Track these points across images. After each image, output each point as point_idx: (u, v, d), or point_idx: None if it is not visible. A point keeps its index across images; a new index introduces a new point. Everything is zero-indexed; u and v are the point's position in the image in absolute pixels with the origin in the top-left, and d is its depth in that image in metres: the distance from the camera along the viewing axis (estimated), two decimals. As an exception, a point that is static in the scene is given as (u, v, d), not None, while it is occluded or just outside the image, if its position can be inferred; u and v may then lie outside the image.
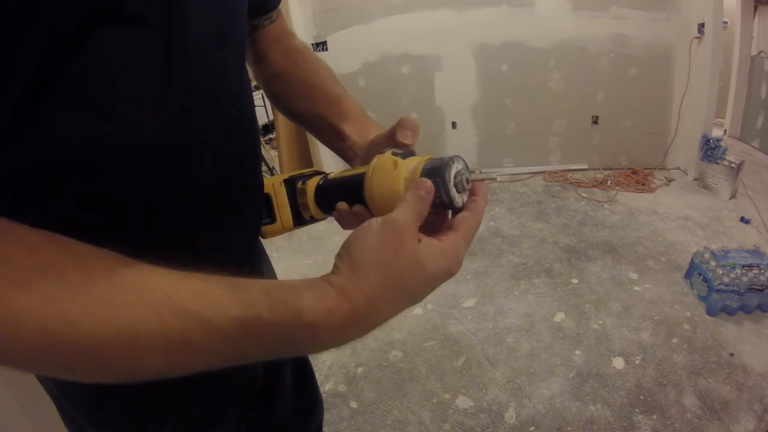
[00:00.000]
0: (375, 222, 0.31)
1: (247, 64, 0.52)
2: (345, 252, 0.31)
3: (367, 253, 0.30)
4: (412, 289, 0.31)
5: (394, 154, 0.38)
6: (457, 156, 0.36)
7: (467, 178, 0.36)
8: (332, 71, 0.62)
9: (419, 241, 0.31)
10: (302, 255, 2.56)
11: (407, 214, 0.32)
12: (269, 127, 5.51)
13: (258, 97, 5.43)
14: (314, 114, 0.56)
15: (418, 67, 3.28)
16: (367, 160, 0.43)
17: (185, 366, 0.28)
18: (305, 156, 3.55)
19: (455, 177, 0.35)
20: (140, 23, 0.31)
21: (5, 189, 0.30)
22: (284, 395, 0.70)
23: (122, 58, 0.31)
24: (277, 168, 3.38)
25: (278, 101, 0.62)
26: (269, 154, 3.65)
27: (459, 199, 0.35)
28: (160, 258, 0.30)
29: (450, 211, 0.37)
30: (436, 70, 3.28)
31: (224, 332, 0.27)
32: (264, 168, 3.74)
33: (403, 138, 0.41)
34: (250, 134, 0.49)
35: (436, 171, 0.34)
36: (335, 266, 0.31)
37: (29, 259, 0.25)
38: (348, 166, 0.50)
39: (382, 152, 0.39)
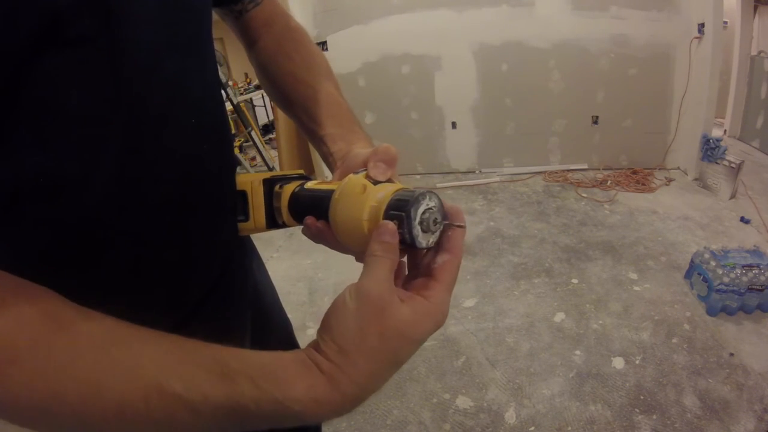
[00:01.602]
0: (350, 299, 0.30)
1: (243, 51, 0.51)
2: (327, 334, 0.30)
3: (351, 338, 0.29)
4: (402, 359, 0.30)
5: (368, 177, 0.36)
6: (431, 192, 0.33)
7: (436, 219, 0.32)
8: (326, 63, 0.58)
9: (402, 300, 0.30)
10: (302, 255, 2.56)
11: (379, 278, 0.29)
12: (269, 127, 5.51)
13: (258, 97, 5.43)
14: (301, 112, 0.54)
15: (418, 67, 3.28)
16: (345, 172, 0.42)
17: None
18: (305, 156, 3.55)
19: (422, 214, 0.32)
20: (84, 44, 0.30)
21: None
22: None
23: (69, 82, 0.30)
24: (277, 168, 3.38)
25: (269, 92, 0.60)
26: (269, 154, 3.65)
27: (424, 239, 0.32)
28: (126, 273, 0.30)
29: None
30: (436, 70, 3.28)
31: (210, 417, 0.27)
32: (264, 168, 3.73)
33: (375, 172, 0.37)
34: (216, 139, 0.46)
35: (402, 205, 0.32)
36: (320, 348, 0.29)
37: (19, 333, 0.26)
38: (330, 174, 0.49)
39: (356, 173, 0.38)
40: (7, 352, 0.25)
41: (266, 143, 4.56)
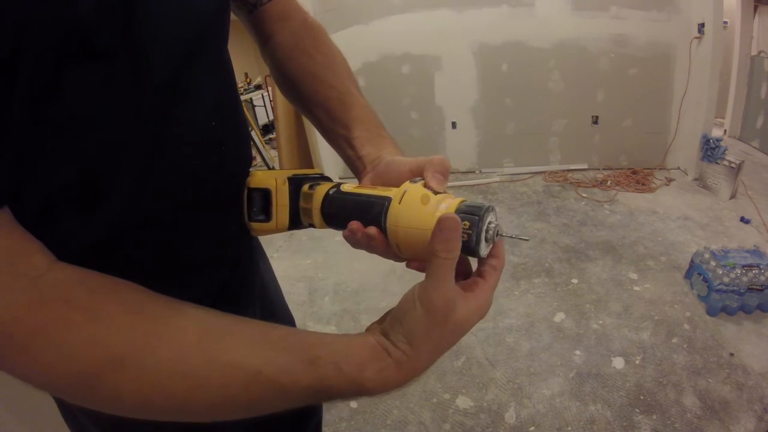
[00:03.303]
0: (419, 305, 0.33)
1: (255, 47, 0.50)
2: (398, 327, 0.33)
3: (419, 335, 0.33)
4: (453, 344, 0.35)
5: (427, 187, 0.37)
6: (493, 206, 0.35)
7: (498, 231, 0.35)
8: (346, 62, 0.56)
9: (460, 299, 0.33)
10: (302, 255, 2.56)
11: (444, 284, 0.32)
12: (269, 127, 5.51)
13: (258, 97, 5.44)
14: (321, 112, 0.53)
15: (418, 67, 3.28)
16: (381, 179, 0.42)
17: (254, 414, 0.33)
18: (305, 156, 3.55)
19: (489, 224, 0.34)
20: (108, 55, 0.31)
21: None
22: None
23: (93, 92, 0.31)
24: (277, 168, 3.38)
25: (284, 91, 0.58)
26: (269, 154, 3.65)
27: (485, 249, 0.35)
28: (145, 273, 0.32)
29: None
30: (436, 70, 3.28)
31: (296, 396, 0.32)
32: (264, 169, 3.74)
33: (434, 183, 0.38)
34: (235, 138, 0.47)
35: (474, 211, 0.34)
36: (389, 337, 0.33)
37: (119, 338, 0.29)
38: (353, 176, 0.48)
39: (413, 181, 0.38)
40: (112, 362, 0.28)
41: (266, 143, 4.56)
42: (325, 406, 1.00)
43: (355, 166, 0.49)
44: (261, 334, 0.33)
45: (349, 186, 0.43)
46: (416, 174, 0.40)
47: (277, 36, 0.56)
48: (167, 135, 0.37)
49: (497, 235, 0.35)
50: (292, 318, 0.74)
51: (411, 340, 0.32)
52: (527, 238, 0.41)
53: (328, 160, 3.52)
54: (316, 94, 0.53)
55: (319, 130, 0.55)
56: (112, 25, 0.31)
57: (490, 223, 0.34)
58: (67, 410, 0.49)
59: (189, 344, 0.30)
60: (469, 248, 0.34)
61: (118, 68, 0.32)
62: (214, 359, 0.30)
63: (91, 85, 0.31)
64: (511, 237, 0.37)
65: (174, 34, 0.36)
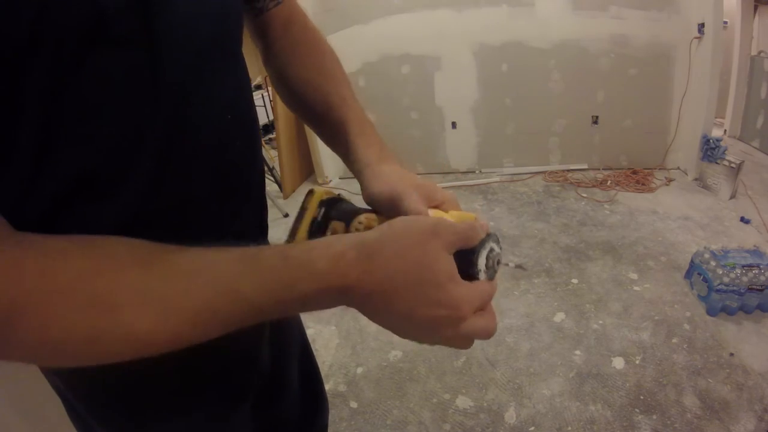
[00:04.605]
0: (412, 224, 0.35)
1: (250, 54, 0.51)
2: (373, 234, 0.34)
3: (389, 241, 0.33)
4: (411, 291, 0.33)
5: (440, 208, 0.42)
6: (497, 236, 0.38)
7: (499, 260, 0.37)
8: (341, 67, 0.56)
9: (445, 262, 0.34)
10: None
11: (448, 224, 0.35)
12: (269, 127, 5.51)
13: (258, 96, 5.43)
14: (320, 122, 0.53)
15: (418, 67, 3.27)
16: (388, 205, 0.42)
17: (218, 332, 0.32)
18: (305, 156, 3.55)
19: (490, 251, 0.37)
20: (126, 46, 0.32)
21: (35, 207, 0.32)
22: (291, 391, 0.70)
23: (111, 81, 0.32)
24: (277, 168, 3.37)
25: (283, 99, 0.58)
26: (269, 154, 3.65)
27: (484, 274, 0.36)
28: None
29: None
30: (436, 70, 3.28)
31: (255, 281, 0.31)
32: (263, 167, 3.73)
33: (448, 206, 0.44)
34: (248, 136, 0.48)
35: (488, 238, 0.37)
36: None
37: (118, 281, 0.29)
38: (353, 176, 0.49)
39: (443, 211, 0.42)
40: (105, 303, 0.28)
41: (266, 143, 4.56)
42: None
43: (356, 176, 0.50)
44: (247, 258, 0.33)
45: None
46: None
47: (279, 43, 0.55)
48: (186, 125, 0.38)
49: (498, 263, 0.37)
50: (299, 316, 0.74)
51: (379, 238, 0.33)
52: (526, 268, 0.44)
53: (327, 161, 3.53)
54: (313, 104, 0.53)
55: (322, 139, 0.56)
56: (131, 14, 0.31)
57: (491, 250, 0.36)
58: (72, 409, 0.49)
59: (179, 274, 0.30)
60: (468, 267, 0.35)
61: (136, 57, 0.32)
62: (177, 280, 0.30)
63: (111, 72, 0.31)
64: (511, 266, 0.40)
65: (191, 27, 0.37)
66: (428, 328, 0.34)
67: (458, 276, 0.34)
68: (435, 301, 0.33)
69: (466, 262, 0.35)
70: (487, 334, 0.35)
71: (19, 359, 0.28)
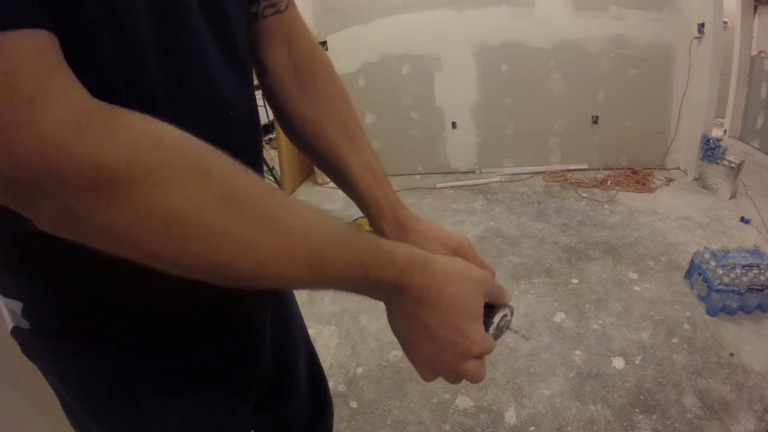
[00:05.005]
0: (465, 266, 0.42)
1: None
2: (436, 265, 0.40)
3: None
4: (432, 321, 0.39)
5: None
6: (511, 308, 0.45)
7: (508, 326, 0.45)
8: (349, 101, 0.54)
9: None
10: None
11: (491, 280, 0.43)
12: (269, 127, 5.50)
13: (258, 96, 5.43)
14: (327, 166, 0.54)
15: (418, 67, 3.27)
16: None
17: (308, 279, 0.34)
18: (305, 156, 3.55)
19: (505, 315, 0.44)
20: (131, 26, 0.32)
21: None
22: (299, 392, 0.71)
23: (118, 61, 0.32)
24: (277, 168, 3.37)
25: (288, 135, 0.56)
26: (269, 154, 3.64)
27: (494, 329, 0.44)
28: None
29: None
30: (436, 70, 3.28)
31: (344, 257, 0.34)
32: (263, 168, 3.73)
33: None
34: (250, 133, 0.48)
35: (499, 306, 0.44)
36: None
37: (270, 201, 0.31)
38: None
39: None
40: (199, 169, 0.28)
41: (266, 143, 4.56)
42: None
43: (377, 222, 0.54)
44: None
45: None
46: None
47: (278, 69, 0.51)
48: (193, 114, 0.39)
49: (507, 328, 0.45)
50: (299, 310, 0.75)
51: (445, 262, 0.40)
52: (529, 338, 0.62)
53: (328, 160, 3.52)
54: (323, 152, 0.53)
55: (327, 176, 0.57)
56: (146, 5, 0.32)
57: (506, 315, 0.45)
58: (70, 410, 0.49)
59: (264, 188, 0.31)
60: (485, 321, 0.43)
61: (147, 38, 0.33)
62: (284, 202, 0.32)
63: (115, 51, 0.31)
64: (516, 332, 0.48)
65: (197, 15, 0.37)
66: (441, 349, 0.40)
67: (482, 320, 0.41)
68: (461, 330, 0.39)
69: (486, 313, 0.42)
70: (476, 379, 0.41)
71: (113, 226, 0.25)
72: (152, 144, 0.25)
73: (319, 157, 0.54)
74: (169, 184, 0.25)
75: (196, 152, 0.28)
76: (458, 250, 0.52)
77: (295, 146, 0.56)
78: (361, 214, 0.53)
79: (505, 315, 0.44)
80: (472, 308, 0.40)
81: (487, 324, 0.43)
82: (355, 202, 0.54)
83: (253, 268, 0.30)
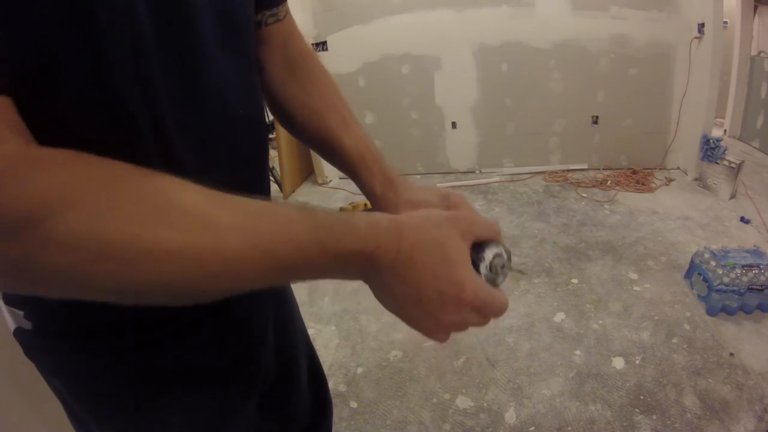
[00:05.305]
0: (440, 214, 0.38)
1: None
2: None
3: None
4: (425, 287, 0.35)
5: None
6: (506, 248, 0.40)
7: (503, 266, 0.39)
8: (339, 91, 0.58)
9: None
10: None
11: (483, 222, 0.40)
12: (269, 127, 5.51)
13: (258, 97, 5.43)
14: (322, 147, 0.56)
15: (418, 67, 3.27)
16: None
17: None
18: (305, 156, 3.55)
19: (498, 255, 0.39)
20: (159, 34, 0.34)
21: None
22: (300, 392, 0.71)
23: (124, 50, 0.33)
24: (277, 168, 3.37)
25: (282, 123, 0.59)
26: (269, 154, 3.65)
27: (486, 269, 0.38)
28: None
29: None
30: (436, 70, 3.28)
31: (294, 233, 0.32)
32: (269, 167, 3.73)
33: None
34: (258, 133, 0.49)
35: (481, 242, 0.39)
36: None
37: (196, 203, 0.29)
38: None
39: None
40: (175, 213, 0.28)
41: (266, 143, 4.56)
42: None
43: (376, 201, 0.54)
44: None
45: None
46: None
47: (274, 66, 0.55)
48: (207, 113, 0.40)
49: (502, 268, 0.39)
50: (298, 307, 0.75)
51: (408, 216, 0.37)
52: (525, 272, 0.53)
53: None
54: (311, 129, 0.55)
55: (326, 160, 0.59)
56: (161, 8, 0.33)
57: (500, 255, 0.39)
58: (71, 411, 0.50)
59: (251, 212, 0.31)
60: (475, 262, 0.38)
61: (169, 46, 0.34)
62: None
63: (121, 42, 0.32)
64: (520, 272, 0.42)
65: (209, 19, 0.39)
66: (434, 308, 0.35)
67: (469, 263, 0.37)
68: (444, 276, 0.35)
69: (475, 252, 0.38)
70: (487, 319, 0.38)
71: (52, 267, 0.25)
72: (74, 178, 0.26)
73: (312, 138, 0.56)
74: (90, 211, 0.25)
75: (120, 177, 0.28)
76: (449, 197, 0.50)
77: (290, 132, 0.59)
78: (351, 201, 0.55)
79: (499, 254, 0.39)
80: (452, 253, 0.36)
81: (477, 262, 0.38)
82: (346, 172, 0.55)
83: (199, 273, 0.29)
